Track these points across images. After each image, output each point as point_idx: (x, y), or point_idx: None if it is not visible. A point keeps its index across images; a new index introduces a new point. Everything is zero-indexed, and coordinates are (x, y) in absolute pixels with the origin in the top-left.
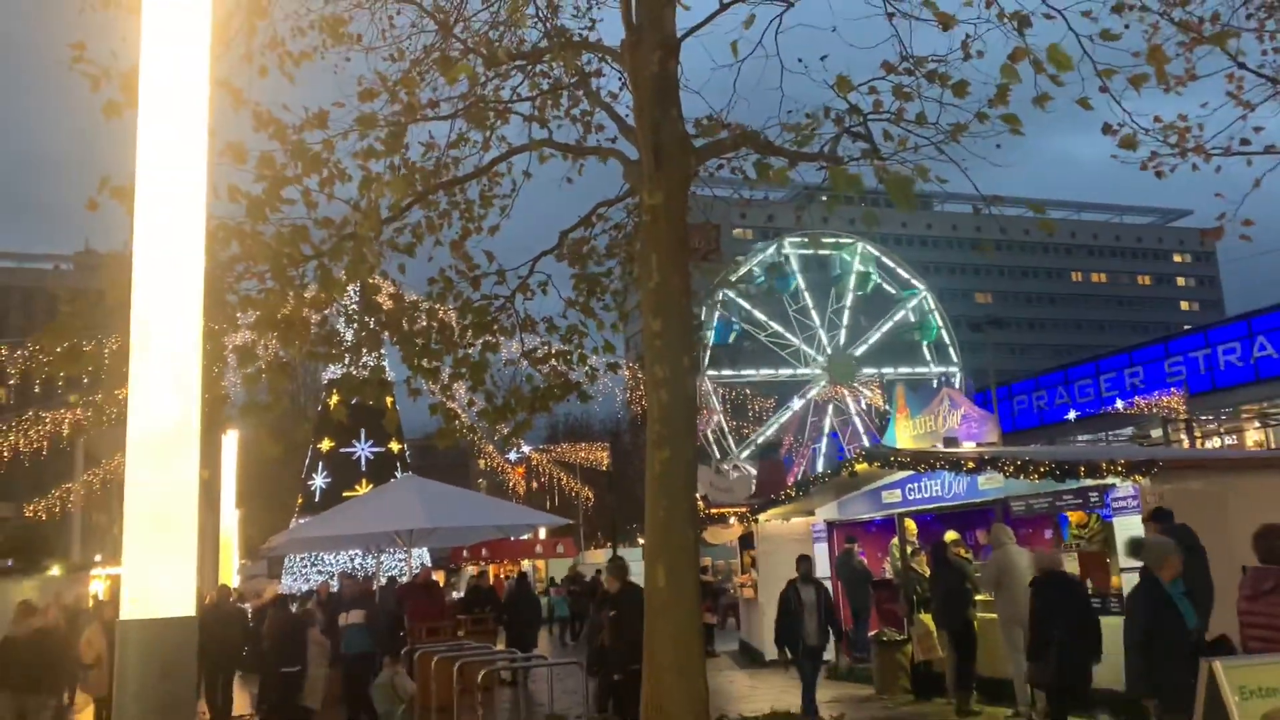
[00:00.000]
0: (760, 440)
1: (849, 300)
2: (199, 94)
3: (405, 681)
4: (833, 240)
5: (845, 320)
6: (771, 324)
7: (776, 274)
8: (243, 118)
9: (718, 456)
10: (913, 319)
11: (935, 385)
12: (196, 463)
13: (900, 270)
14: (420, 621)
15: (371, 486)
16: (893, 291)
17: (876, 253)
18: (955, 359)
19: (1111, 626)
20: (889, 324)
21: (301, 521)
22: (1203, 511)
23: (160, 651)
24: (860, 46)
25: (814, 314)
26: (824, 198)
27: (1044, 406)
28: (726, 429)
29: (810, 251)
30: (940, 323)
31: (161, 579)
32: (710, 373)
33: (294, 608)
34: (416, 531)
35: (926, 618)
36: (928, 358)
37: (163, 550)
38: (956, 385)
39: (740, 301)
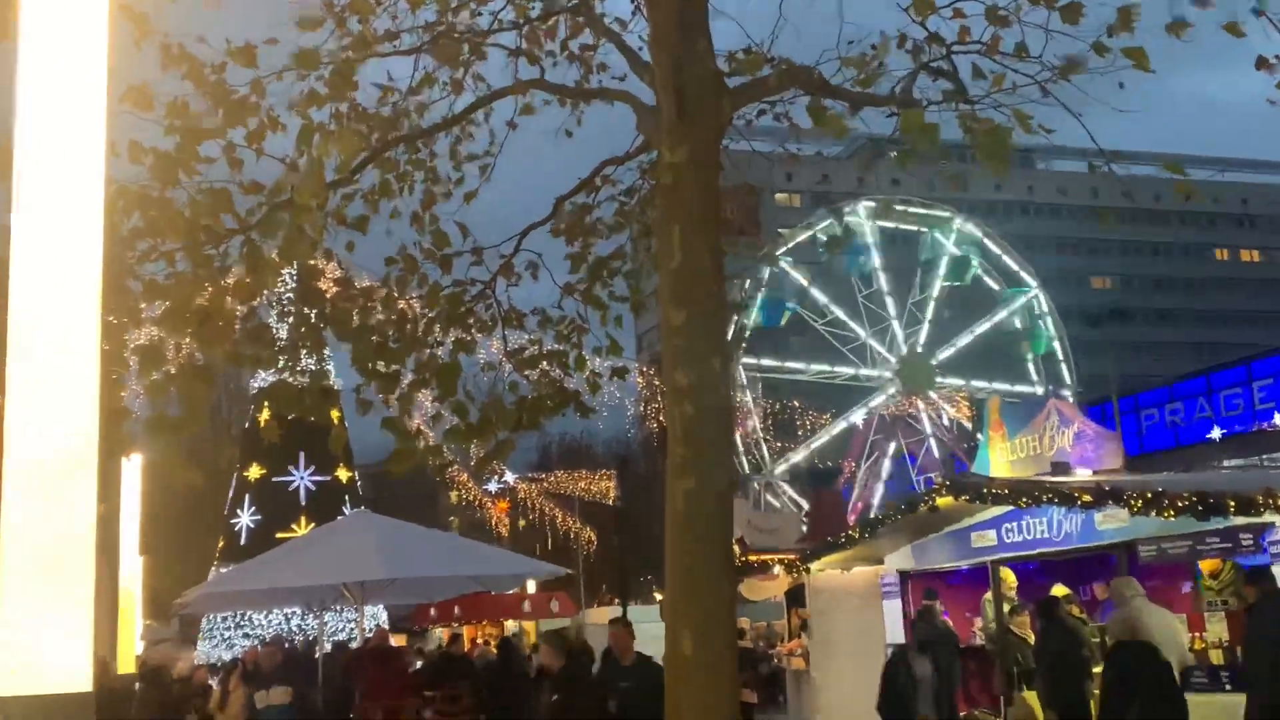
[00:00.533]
0: (807, 453)
1: (936, 290)
2: (96, 17)
3: None
4: (921, 212)
5: (929, 315)
6: (833, 309)
7: (844, 247)
8: (148, 54)
9: (746, 471)
10: (1018, 325)
11: (1041, 395)
12: (94, 495)
13: (1007, 259)
14: (374, 700)
15: (313, 526)
16: (995, 286)
17: (980, 234)
18: (1069, 379)
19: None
20: (986, 325)
21: (223, 571)
22: None
23: None
24: None
25: (890, 303)
26: (894, 153)
27: (1180, 422)
28: (763, 435)
29: (890, 224)
30: (1053, 332)
31: (50, 643)
32: (747, 360)
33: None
34: (370, 584)
35: (1030, 695)
36: (1032, 374)
37: (53, 607)
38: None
39: (794, 275)
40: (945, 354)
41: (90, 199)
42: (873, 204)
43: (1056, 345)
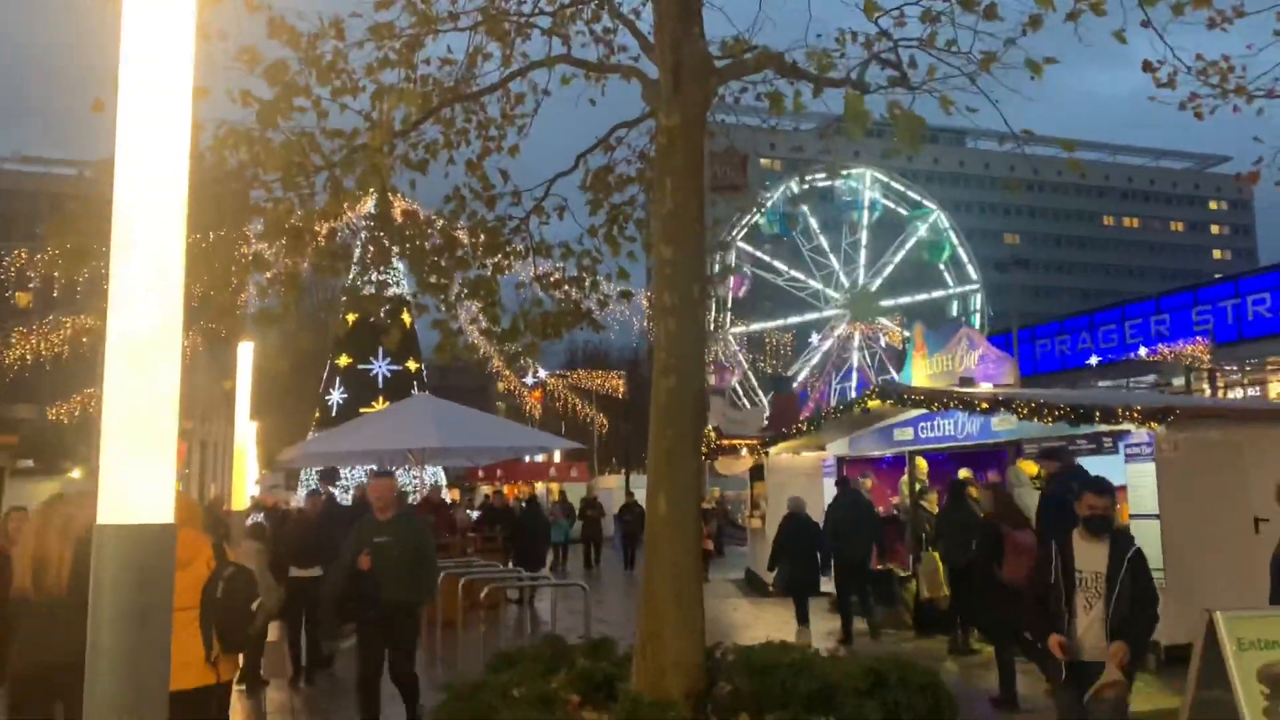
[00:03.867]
0: (763, 327)
1: (863, 230)
2: None
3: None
4: (845, 171)
5: (862, 253)
6: (790, 270)
7: (788, 218)
8: (258, 24)
9: (748, 406)
10: (924, 234)
11: (955, 314)
12: (178, 368)
13: (910, 193)
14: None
15: (387, 404)
16: (904, 214)
17: (885, 178)
18: (974, 276)
19: None
20: (903, 250)
21: (317, 435)
22: (1218, 461)
23: (137, 559)
24: None
25: (829, 251)
26: (844, 130)
27: (1066, 351)
28: (754, 381)
29: (823, 183)
30: (956, 240)
31: (140, 485)
32: (735, 330)
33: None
34: (429, 450)
35: (934, 554)
36: (947, 279)
37: (142, 456)
38: (978, 304)
39: (749, 249)
40: (878, 282)
41: (180, 125)
42: (811, 175)
43: (961, 251)
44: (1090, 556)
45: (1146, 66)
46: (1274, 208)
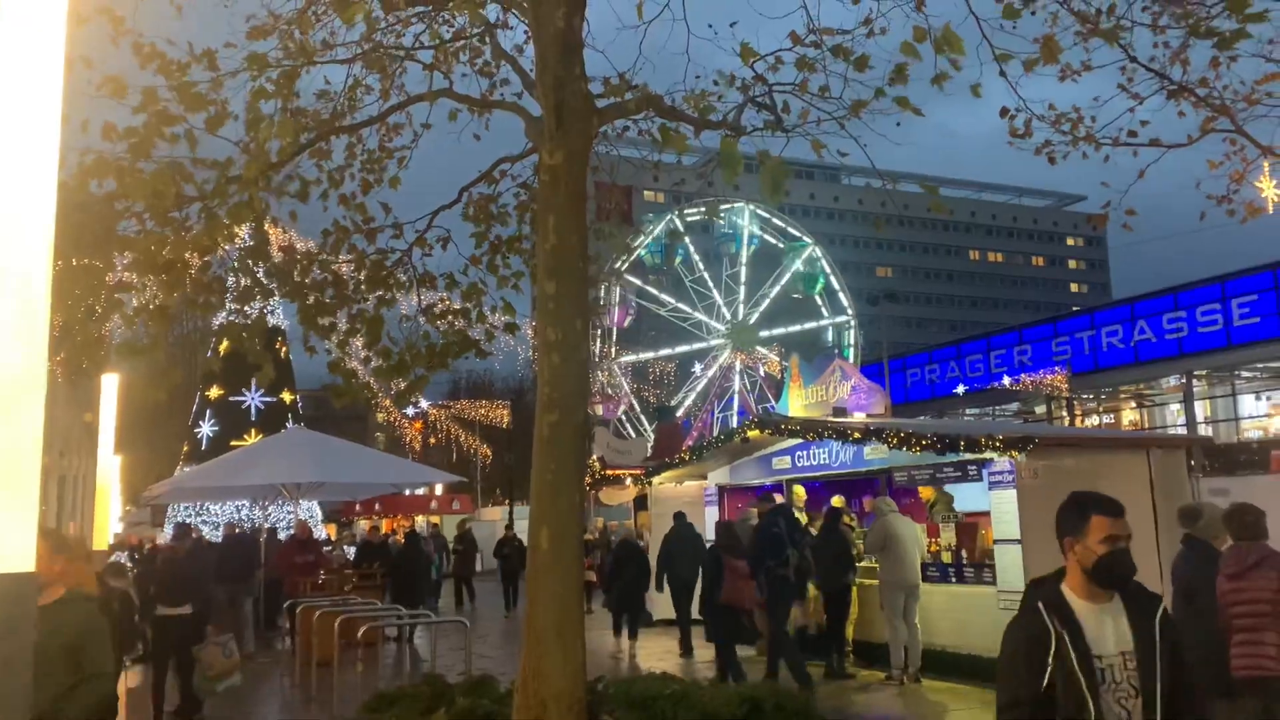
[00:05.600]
0: (651, 356)
1: (742, 264)
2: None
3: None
4: (725, 206)
5: (742, 285)
6: (672, 301)
7: (676, 242)
8: (124, 53)
9: (633, 436)
10: (801, 268)
11: (830, 344)
12: (42, 412)
13: (788, 228)
14: (297, 576)
15: (261, 437)
16: (781, 247)
17: (764, 213)
18: (848, 307)
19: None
20: (779, 283)
21: (187, 470)
22: (1075, 486)
23: None
24: (770, 16)
25: (710, 283)
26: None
27: (935, 380)
28: (639, 410)
29: (698, 217)
30: (828, 269)
31: (1, 533)
32: (620, 360)
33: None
34: (305, 485)
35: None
36: (821, 309)
37: (3, 504)
38: (851, 336)
39: (634, 280)
40: (756, 314)
41: (47, 157)
42: (693, 210)
43: (833, 279)
44: (1106, 629)
45: (1004, 113)
46: (1124, 245)
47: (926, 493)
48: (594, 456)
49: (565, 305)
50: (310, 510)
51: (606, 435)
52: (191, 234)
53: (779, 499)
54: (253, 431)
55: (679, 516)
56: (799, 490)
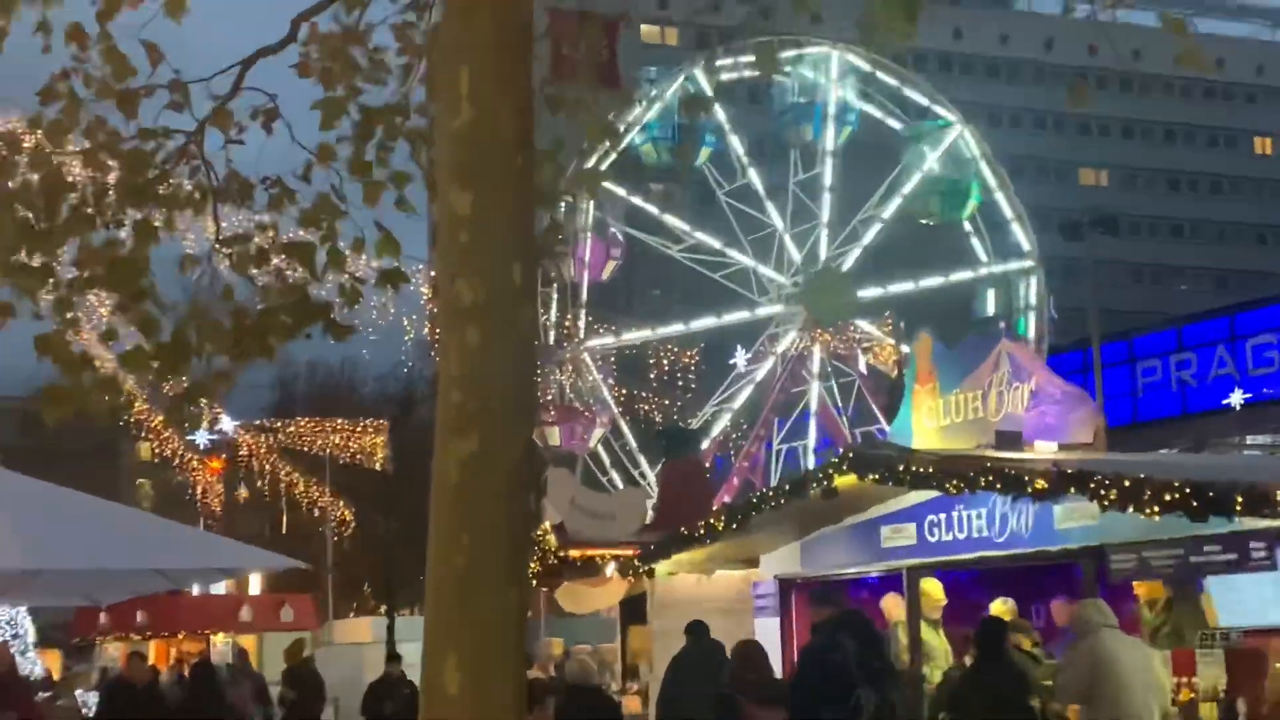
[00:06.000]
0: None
1: (827, 163)
2: None
3: None
4: (793, 53)
5: (826, 204)
6: (692, 232)
7: (701, 119)
8: None
9: (619, 483)
10: (940, 173)
11: (991, 313)
12: None
13: (911, 92)
14: None
15: None
16: (899, 128)
17: (866, 64)
18: (1026, 245)
19: None
20: (897, 198)
21: None
22: None
23: None
24: None
25: (765, 198)
26: None
27: (1190, 380)
28: (630, 437)
29: (742, 73)
30: (988, 173)
31: None
32: (592, 343)
33: None
34: (5, 577)
35: None
36: (976, 248)
37: None
38: (1030, 295)
39: (621, 193)
40: (856, 254)
41: None
42: (731, 57)
43: (1000, 197)
44: None
45: None
46: None
47: (1150, 590)
48: (547, 522)
49: (490, 238)
50: (14, 624)
51: (571, 483)
52: None
53: (890, 603)
54: None
55: (695, 631)
56: (931, 588)
